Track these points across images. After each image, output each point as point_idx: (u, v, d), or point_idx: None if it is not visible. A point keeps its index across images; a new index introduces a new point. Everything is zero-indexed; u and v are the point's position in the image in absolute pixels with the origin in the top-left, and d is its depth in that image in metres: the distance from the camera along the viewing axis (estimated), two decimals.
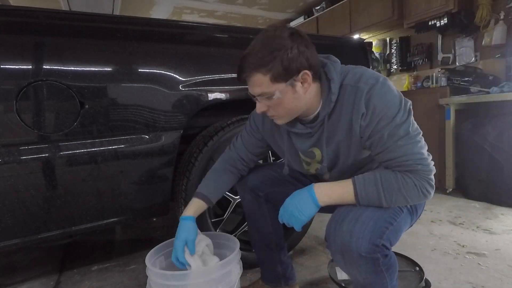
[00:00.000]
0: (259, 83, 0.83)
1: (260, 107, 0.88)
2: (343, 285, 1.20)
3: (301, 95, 0.85)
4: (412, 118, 0.82)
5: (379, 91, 0.81)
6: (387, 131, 0.80)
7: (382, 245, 0.78)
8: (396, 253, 1.30)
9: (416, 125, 0.83)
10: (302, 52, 0.81)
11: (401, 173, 0.81)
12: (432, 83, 3.16)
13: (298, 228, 0.89)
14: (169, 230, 2.15)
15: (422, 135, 0.82)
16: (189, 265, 0.95)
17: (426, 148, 0.82)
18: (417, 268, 1.28)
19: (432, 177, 0.82)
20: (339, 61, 0.92)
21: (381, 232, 0.79)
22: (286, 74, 0.81)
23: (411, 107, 0.83)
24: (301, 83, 0.83)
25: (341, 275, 1.26)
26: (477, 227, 1.92)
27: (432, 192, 0.83)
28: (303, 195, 0.88)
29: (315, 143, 0.95)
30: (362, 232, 0.77)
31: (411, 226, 0.96)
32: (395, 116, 0.79)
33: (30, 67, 1.05)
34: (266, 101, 0.86)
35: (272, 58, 0.79)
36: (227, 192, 1.45)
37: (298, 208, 0.87)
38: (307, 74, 0.82)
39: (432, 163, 0.82)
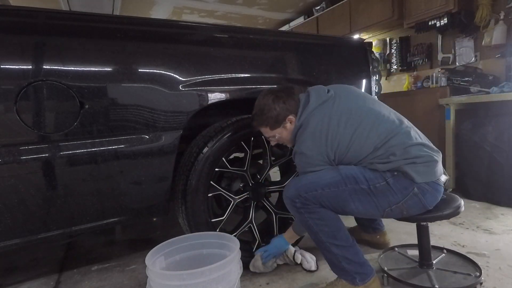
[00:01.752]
0: (264, 132, 1.35)
1: (272, 142, 1.41)
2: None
3: (292, 129, 1.29)
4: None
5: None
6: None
7: (303, 197, 1.16)
8: (460, 254, 1.42)
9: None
10: (282, 107, 1.26)
11: None
12: (432, 83, 3.16)
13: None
14: (169, 230, 2.15)
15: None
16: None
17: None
18: (477, 274, 1.25)
19: None
20: (307, 96, 1.29)
21: (307, 189, 1.17)
22: (278, 123, 1.28)
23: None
24: (290, 123, 1.28)
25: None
26: (477, 227, 1.92)
27: None
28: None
29: None
30: (294, 185, 1.21)
31: (383, 210, 1.16)
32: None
33: (30, 67, 1.05)
34: (272, 139, 1.37)
35: (266, 118, 1.28)
36: (227, 192, 1.45)
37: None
38: (291, 118, 1.28)
39: None
